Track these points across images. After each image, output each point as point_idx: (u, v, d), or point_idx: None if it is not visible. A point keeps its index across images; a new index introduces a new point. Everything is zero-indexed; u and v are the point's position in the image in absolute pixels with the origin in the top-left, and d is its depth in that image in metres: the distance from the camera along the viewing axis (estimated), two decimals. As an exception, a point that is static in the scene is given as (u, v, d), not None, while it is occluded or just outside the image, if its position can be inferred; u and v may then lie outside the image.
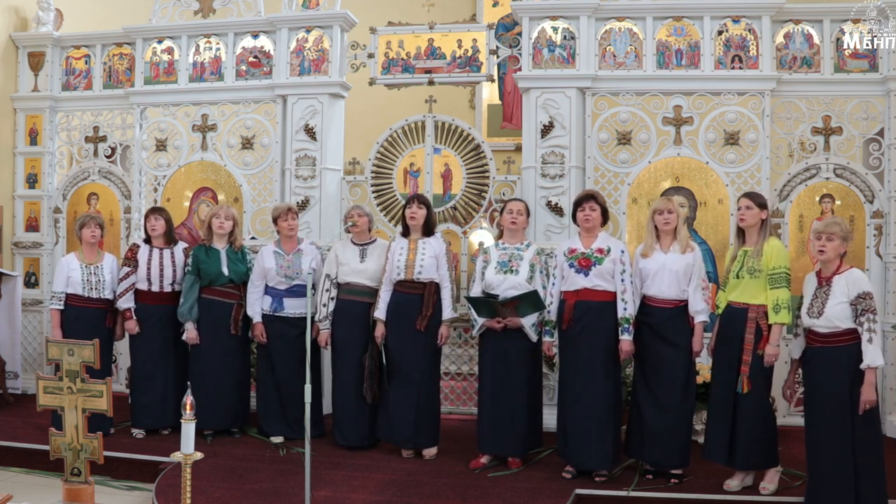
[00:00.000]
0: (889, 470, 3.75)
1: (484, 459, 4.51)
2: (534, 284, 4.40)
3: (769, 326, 3.97)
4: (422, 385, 4.64)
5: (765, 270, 3.98)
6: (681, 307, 4.21)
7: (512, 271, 4.43)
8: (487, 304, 4.38)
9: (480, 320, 4.45)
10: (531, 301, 4.32)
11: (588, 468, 4.25)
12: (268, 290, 5.02)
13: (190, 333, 5.02)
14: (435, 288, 4.67)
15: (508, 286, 4.39)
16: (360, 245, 4.93)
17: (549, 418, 4.89)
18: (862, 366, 3.54)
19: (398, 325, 4.66)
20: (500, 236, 4.68)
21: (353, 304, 4.84)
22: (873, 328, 3.54)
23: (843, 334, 3.61)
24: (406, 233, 4.79)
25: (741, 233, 4.16)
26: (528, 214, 4.66)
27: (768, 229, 4.10)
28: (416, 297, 4.65)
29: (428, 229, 4.76)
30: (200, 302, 5.03)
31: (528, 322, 4.37)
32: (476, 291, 4.54)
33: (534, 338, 4.42)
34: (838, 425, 3.60)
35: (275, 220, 5.08)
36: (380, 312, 4.72)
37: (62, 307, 4.99)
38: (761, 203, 4.08)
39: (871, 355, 3.52)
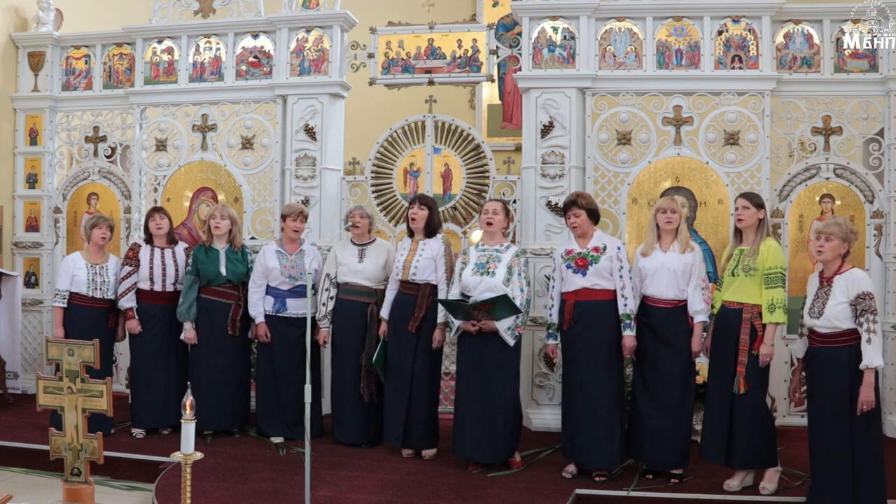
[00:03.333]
0: (890, 470, 3.75)
1: (483, 459, 4.50)
2: (511, 287, 4.31)
3: (764, 326, 3.97)
4: (414, 385, 4.63)
5: (760, 270, 3.98)
6: (680, 307, 4.21)
7: (488, 273, 4.35)
8: (460, 306, 4.31)
9: (457, 323, 4.38)
10: (503, 304, 4.22)
11: (598, 467, 4.24)
12: (269, 291, 5.02)
13: (188, 333, 5.03)
14: (430, 290, 4.64)
15: (484, 288, 4.32)
16: (360, 245, 4.94)
17: (550, 419, 4.90)
18: (861, 366, 3.54)
19: (396, 324, 4.68)
20: (482, 238, 4.65)
21: (351, 303, 4.86)
22: (873, 329, 3.53)
23: (843, 335, 3.61)
24: (412, 233, 4.79)
25: (738, 232, 4.17)
26: (508, 213, 4.59)
27: (765, 229, 4.10)
28: (412, 298, 4.65)
29: (431, 230, 4.74)
30: (199, 302, 5.02)
31: (504, 326, 4.28)
32: (455, 293, 4.48)
33: (510, 342, 4.32)
34: (838, 425, 3.60)
35: (283, 218, 5.08)
36: (384, 311, 4.75)
37: (66, 305, 4.99)
38: (758, 203, 4.09)
39: (870, 356, 3.51)
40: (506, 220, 4.55)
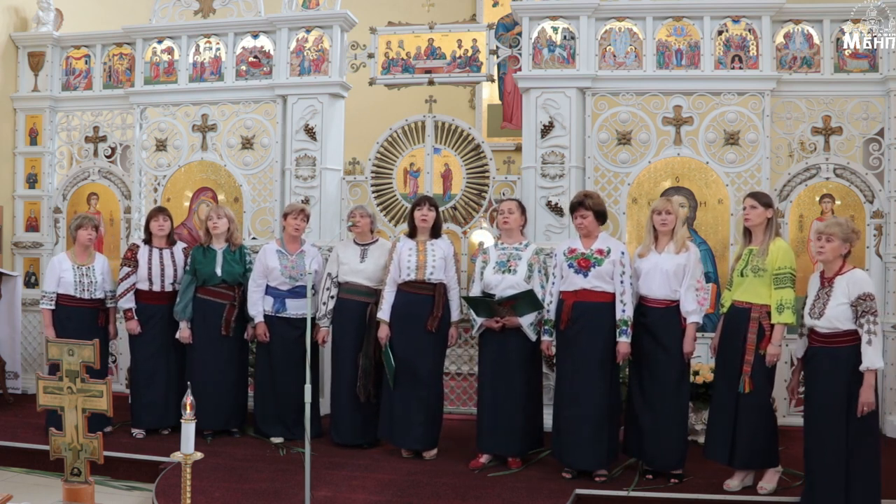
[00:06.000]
0: (891, 469, 3.75)
1: (483, 459, 4.51)
2: (532, 284, 4.40)
3: (772, 326, 3.97)
4: (431, 386, 4.65)
5: (769, 270, 3.98)
6: (673, 307, 4.21)
7: (510, 271, 4.43)
8: (485, 303, 4.39)
9: (479, 320, 4.45)
10: (528, 300, 4.31)
11: (582, 468, 4.25)
12: (269, 291, 5.02)
13: (183, 332, 5.04)
14: (444, 289, 4.67)
15: (506, 286, 4.39)
16: (362, 245, 4.95)
17: (550, 418, 4.89)
18: (861, 367, 3.54)
19: (407, 325, 4.65)
20: (500, 237, 4.69)
21: (350, 303, 4.86)
22: (873, 330, 3.53)
23: (843, 335, 3.61)
24: (412, 234, 4.79)
25: (748, 232, 4.16)
26: (524, 212, 4.64)
27: (774, 228, 4.10)
28: (425, 298, 4.65)
29: (435, 231, 4.77)
30: (195, 301, 5.03)
31: (527, 321, 4.36)
32: (475, 291, 4.55)
33: (532, 337, 4.41)
34: (835, 425, 3.60)
35: (284, 216, 5.08)
36: (383, 313, 4.71)
37: (53, 307, 4.99)
38: (766, 202, 4.08)
39: (871, 357, 3.51)
40: (522, 218, 4.61)
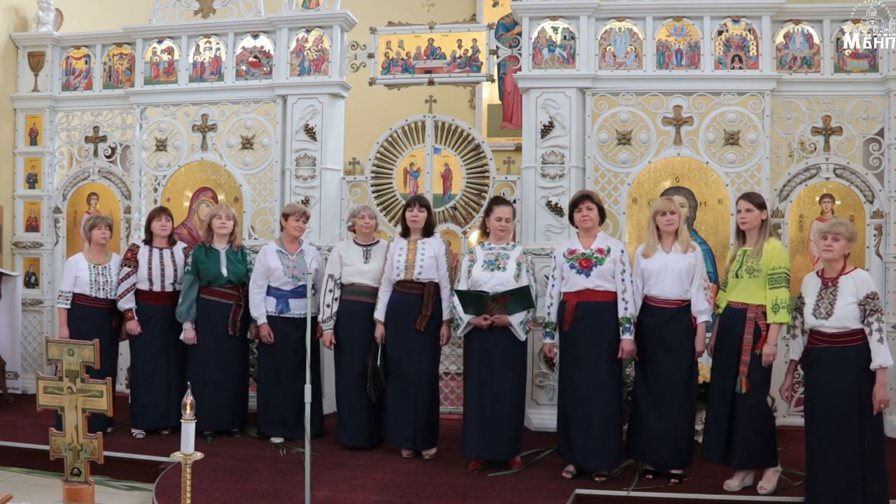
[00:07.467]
0: (892, 470, 3.75)
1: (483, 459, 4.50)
2: (521, 282, 4.37)
3: (768, 326, 3.98)
4: (421, 385, 4.64)
5: (764, 270, 3.99)
6: (683, 307, 4.21)
7: (499, 268, 4.40)
8: (478, 298, 4.32)
9: (466, 318, 4.37)
10: (521, 298, 4.28)
11: (594, 468, 4.24)
12: (271, 291, 5.01)
13: (188, 334, 5.03)
14: (434, 288, 4.66)
15: (496, 282, 4.36)
16: (365, 246, 4.94)
17: (549, 419, 4.90)
18: (873, 366, 3.54)
19: (398, 325, 4.66)
20: (483, 236, 4.65)
21: (357, 304, 4.84)
22: (882, 328, 3.55)
23: (851, 334, 3.62)
24: (406, 234, 4.80)
25: (741, 233, 4.17)
26: (514, 216, 4.65)
27: (768, 229, 4.11)
28: (415, 298, 4.64)
29: (428, 230, 4.77)
30: (199, 302, 5.02)
31: (517, 320, 4.33)
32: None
33: (522, 336, 4.37)
34: (845, 425, 3.59)
35: (285, 217, 5.07)
36: (379, 313, 4.72)
37: (69, 306, 5.01)
38: (760, 203, 4.09)
39: (883, 355, 3.53)
40: (513, 223, 4.62)
